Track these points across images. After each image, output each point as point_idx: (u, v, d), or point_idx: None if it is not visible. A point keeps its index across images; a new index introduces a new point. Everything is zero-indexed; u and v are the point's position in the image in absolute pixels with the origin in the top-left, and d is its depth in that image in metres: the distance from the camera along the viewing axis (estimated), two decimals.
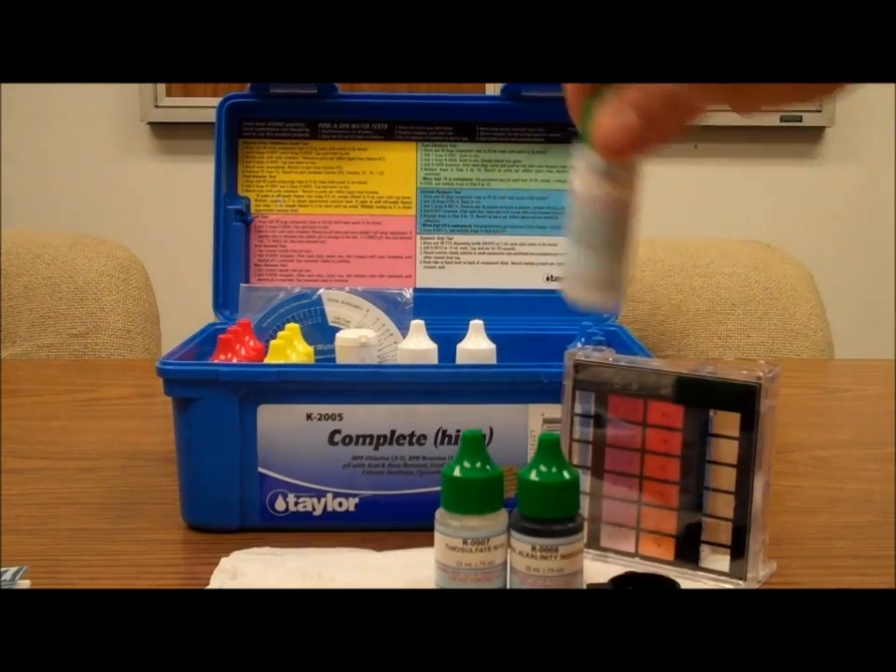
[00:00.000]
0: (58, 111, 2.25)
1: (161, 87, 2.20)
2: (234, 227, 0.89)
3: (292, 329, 0.79)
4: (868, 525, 0.71)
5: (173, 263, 2.07)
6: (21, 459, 0.84)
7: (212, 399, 0.67)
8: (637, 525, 0.61)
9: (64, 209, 2.25)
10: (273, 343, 0.75)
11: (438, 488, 0.54)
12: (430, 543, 0.54)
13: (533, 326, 0.88)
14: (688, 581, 0.59)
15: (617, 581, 0.57)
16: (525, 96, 0.89)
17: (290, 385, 0.67)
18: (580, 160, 0.43)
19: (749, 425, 0.57)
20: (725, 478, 0.58)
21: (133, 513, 0.72)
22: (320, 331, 0.83)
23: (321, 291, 0.84)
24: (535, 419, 0.68)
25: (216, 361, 0.74)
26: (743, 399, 0.57)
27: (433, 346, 0.76)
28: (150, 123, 2.25)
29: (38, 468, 0.82)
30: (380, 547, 0.63)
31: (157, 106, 2.22)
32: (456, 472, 0.52)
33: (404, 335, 0.80)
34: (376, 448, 0.68)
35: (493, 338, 0.78)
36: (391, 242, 0.91)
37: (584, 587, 0.55)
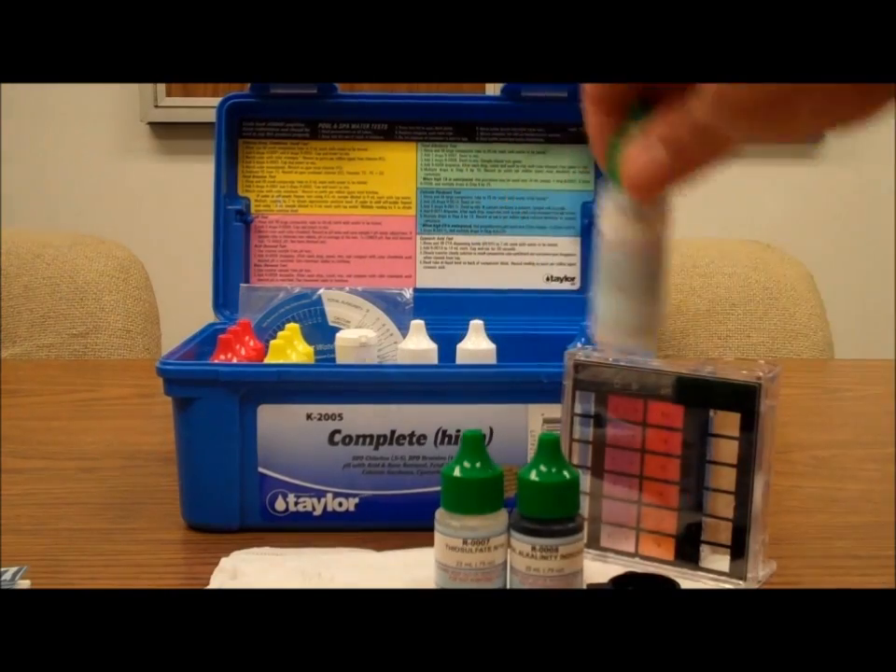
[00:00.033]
0: (58, 111, 2.25)
1: (161, 87, 2.20)
2: (234, 227, 0.89)
3: (292, 329, 0.78)
4: (868, 525, 0.71)
5: (173, 263, 2.07)
6: (21, 459, 0.84)
7: (212, 398, 0.67)
8: (637, 525, 0.61)
9: (64, 209, 2.25)
10: (272, 343, 0.75)
11: (438, 488, 0.54)
12: (430, 543, 0.54)
13: (533, 326, 0.88)
14: (688, 580, 0.59)
15: (617, 580, 0.57)
16: (525, 96, 0.89)
17: (290, 385, 0.67)
18: (606, 200, 0.41)
19: (749, 425, 0.57)
20: (725, 478, 0.58)
21: (132, 513, 0.72)
22: (320, 331, 0.83)
23: (321, 291, 0.84)
24: (535, 419, 0.68)
25: (216, 361, 0.74)
26: (743, 398, 0.57)
27: (433, 346, 0.76)
28: (150, 123, 2.25)
29: (38, 468, 0.82)
30: (380, 547, 0.63)
31: (157, 106, 2.22)
32: (456, 472, 0.52)
33: (404, 335, 0.80)
34: (376, 448, 0.68)
35: (493, 338, 0.78)
36: (391, 242, 0.91)
37: (584, 587, 0.55)
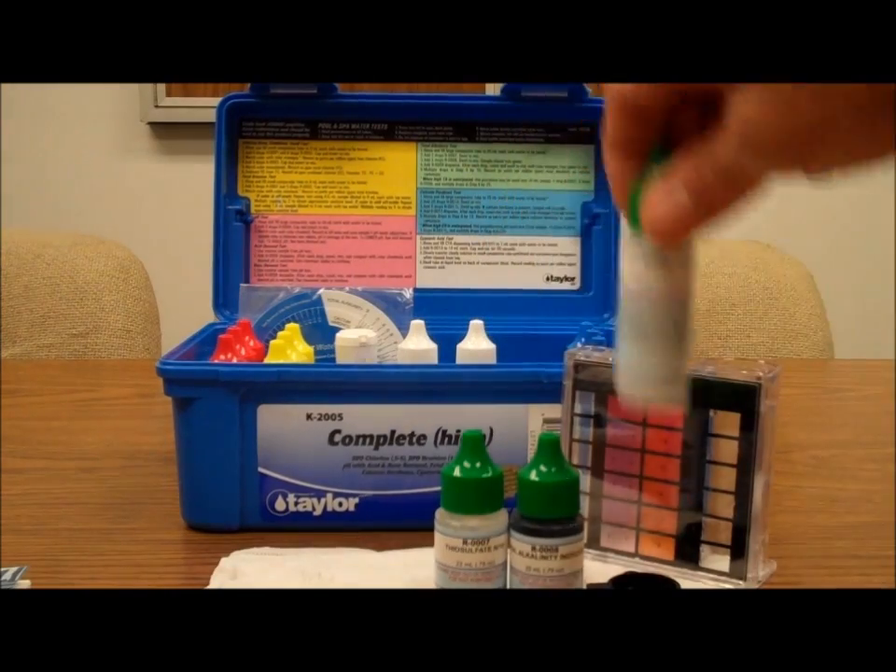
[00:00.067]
0: (58, 111, 2.25)
1: (161, 87, 2.20)
2: (234, 227, 0.89)
3: (292, 329, 0.78)
4: (868, 525, 0.71)
5: (173, 263, 2.07)
6: (21, 459, 0.84)
7: (212, 399, 0.67)
8: (637, 525, 0.61)
9: (64, 209, 2.25)
10: (272, 343, 0.75)
11: (438, 488, 0.54)
12: (430, 543, 0.54)
13: (533, 326, 0.88)
14: (688, 580, 0.59)
15: (617, 580, 0.57)
16: (525, 96, 0.89)
17: (290, 385, 0.67)
18: (628, 246, 0.39)
19: (749, 425, 0.57)
20: (725, 478, 0.58)
21: (132, 513, 0.72)
22: (320, 331, 0.83)
23: (321, 291, 0.84)
24: (535, 419, 0.68)
25: (216, 361, 0.74)
26: (743, 398, 0.57)
27: (433, 346, 0.76)
28: (150, 123, 2.25)
29: (38, 468, 0.82)
30: (380, 547, 0.63)
31: (157, 106, 2.22)
32: (456, 472, 0.52)
33: (404, 335, 0.80)
34: (376, 448, 0.68)
35: (493, 338, 0.78)
36: (391, 242, 0.91)
37: (584, 587, 0.55)
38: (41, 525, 0.70)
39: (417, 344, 0.76)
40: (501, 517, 0.53)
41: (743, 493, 0.58)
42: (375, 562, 0.62)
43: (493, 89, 1.67)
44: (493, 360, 0.77)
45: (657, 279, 0.39)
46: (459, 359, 0.77)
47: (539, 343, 0.84)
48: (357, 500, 0.68)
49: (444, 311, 0.87)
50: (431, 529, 0.54)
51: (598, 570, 0.59)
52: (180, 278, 1.94)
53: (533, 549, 0.52)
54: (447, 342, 0.78)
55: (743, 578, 0.58)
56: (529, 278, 0.91)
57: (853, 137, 0.33)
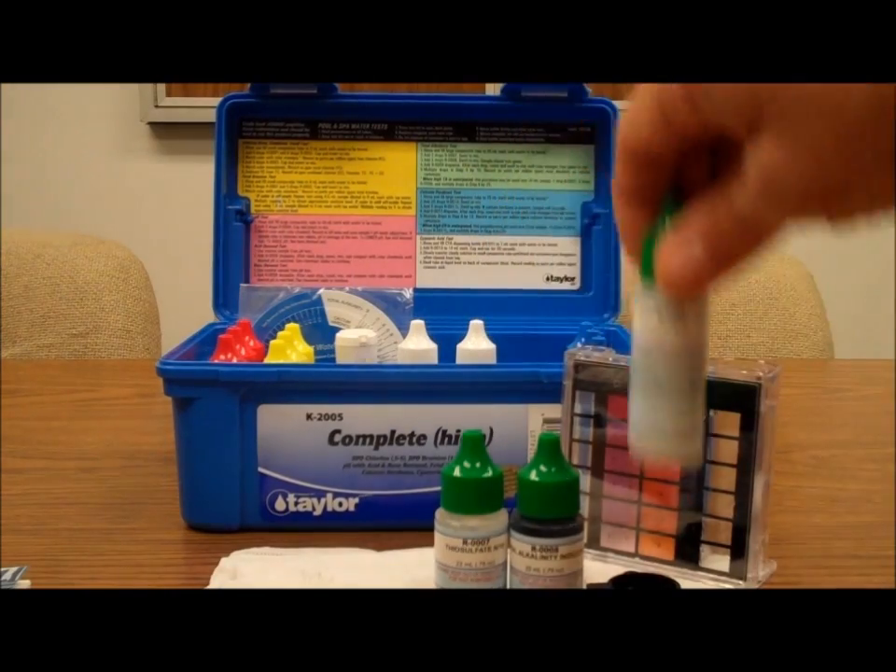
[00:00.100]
0: (58, 111, 2.25)
1: (161, 87, 2.20)
2: (234, 227, 0.89)
3: (292, 329, 0.78)
4: (868, 525, 0.71)
5: (173, 263, 2.07)
6: (21, 459, 0.84)
7: (212, 399, 0.67)
8: (637, 525, 0.61)
9: (64, 209, 2.25)
10: (272, 343, 0.75)
11: (438, 488, 0.54)
12: (430, 543, 0.54)
13: (533, 326, 0.88)
14: (688, 580, 0.59)
15: (617, 580, 0.57)
16: (525, 96, 0.89)
17: (290, 385, 0.67)
18: (640, 298, 0.38)
19: (749, 425, 0.57)
20: (725, 478, 0.58)
21: (132, 513, 0.72)
22: (320, 331, 0.83)
23: (321, 291, 0.84)
24: (535, 419, 0.68)
25: (216, 361, 0.74)
26: (743, 398, 0.57)
27: (433, 346, 0.76)
28: (150, 123, 2.25)
29: (38, 468, 0.82)
30: (380, 547, 0.63)
31: (157, 106, 2.22)
32: (456, 472, 0.52)
33: (404, 335, 0.80)
34: (376, 448, 0.68)
35: (493, 338, 0.78)
36: (391, 242, 0.91)
37: (584, 587, 0.55)
38: (41, 525, 0.70)
39: (417, 344, 0.76)
40: (501, 517, 0.53)
41: (743, 493, 0.58)
42: (375, 562, 0.62)
43: (493, 89, 1.67)
44: (493, 360, 0.77)
45: (672, 332, 0.38)
46: (459, 359, 0.77)
47: (539, 342, 0.84)
48: (356, 500, 0.68)
49: (444, 311, 0.87)
50: (431, 529, 0.54)
51: (598, 570, 0.59)
52: (180, 278, 1.94)
53: (533, 549, 0.52)
54: (447, 342, 0.78)
55: (743, 578, 0.58)
56: (529, 278, 0.91)
57: (879, 183, 0.32)
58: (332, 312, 0.83)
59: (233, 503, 0.68)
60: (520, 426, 0.68)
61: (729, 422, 0.58)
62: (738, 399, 0.57)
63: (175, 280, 1.93)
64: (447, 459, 0.65)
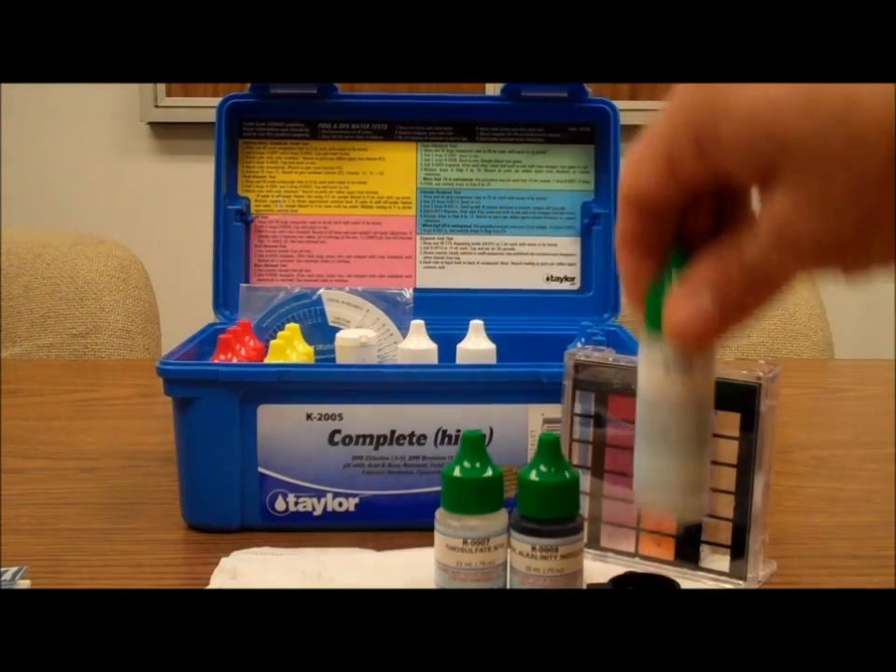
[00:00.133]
0: (58, 111, 2.25)
1: (161, 87, 2.20)
2: (234, 227, 0.89)
3: (292, 329, 0.79)
4: (868, 525, 0.71)
5: (173, 263, 2.07)
6: (21, 459, 0.84)
7: (212, 398, 0.67)
8: (637, 525, 0.61)
9: (64, 209, 2.25)
10: (272, 343, 0.75)
11: (438, 488, 0.54)
12: (430, 543, 0.54)
13: (533, 326, 0.88)
14: (688, 580, 0.59)
15: (617, 580, 0.57)
16: (525, 96, 0.89)
17: (290, 385, 0.67)
18: (645, 349, 0.38)
19: (749, 425, 0.57)
20: (725, 478, 0.58)
21: (132, 513, 0.72)
22: (320, 331, 0.83)
23: (321, 291, 0.84)
24: (535, 419, 0.68)
25: (216, 361, 0.74)
26: (743, 398, 0.57)
27: (433, 346, 0.77)
28: (150, 123, 2.25)
29: (38, 468, 0.82)
30: (380, 547, 0.63)
31: (157, 106, 2.22)
32: (456, 472, 0.52)
33: (404, 335, 0.80)
34: (376, 448, 0.68)
35: (493, 338, 0.78)
36: (391, 242, 0.91)
37: (584, 587, 0.55)
38: (41, 525, 0.70)
39: (417, 344, 0.76)
40: (501, 517, 0.53)
41: (743, 493, 0.58)
42: (375, 562, 0.62)
43: (493, 89, 1.67)
44: (493, 360, 0.77)
45: (679, 384, 0.37)
46: (459, 359, 0.77)
47: (539, 342, 0.84)
48: (356, 500, 0.68)
49: (444, 311, 0.87)
50: (431, 529, 0.54)
51: (598, 570, 0.59)
52: (180, 278, 1.94)
53: (533, 549, 0.52)
54: (447, 342, 0.78)
55: (743, 578, 0.58)
56: (529, 278, 0.91)
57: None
58: (332, 312, 0.83)
59: (233, 503, 0.68)
60: (520, 426, 0.68)
61: (729, 422, 0.58)
62: (738, 398, 0.57)
63: (175, 280, 1.93)
64: (447, 459, 0.65)
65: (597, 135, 0.90)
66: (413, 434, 0.68)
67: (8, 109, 2.23)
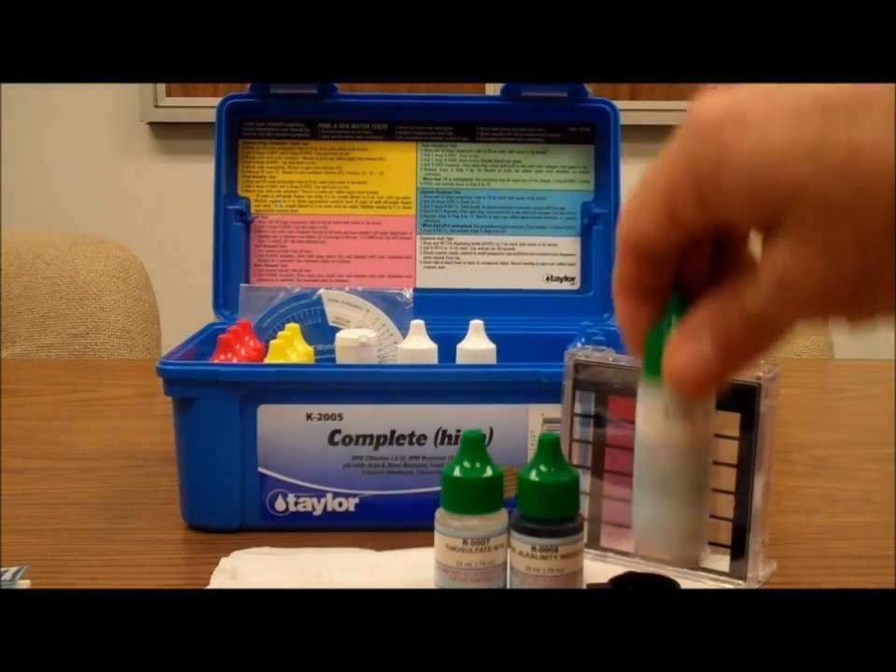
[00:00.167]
0: (58, 111, 2.25)
1: (161, 87, 2.20)
2: (234, 227, 0.89)
3: (292, 329, 0.78)
4: (868, 525, 0.71)
5: (173, 263, 2.07)
6: (21, 459, 0.84)
7: (212, 398, 0.67)
8: None
9: (64, 209, 2.25)
10: (272, 343, 0.75)
11: (438, 488, 0.54)
12: (430, 543, 0.54)
13: (533, 326, 0.88)
14: (688, 580, 0.59)
15: (617, 580, 0.57)
16: (525, 96, 0.89)
17: (290, 385, 0.67)
18: (644, 395, 0.37)
19: (749, 425, 0.57)
20: (725, 478, 0.58)
21: (132, 513, 0.72)
22: (320, 331, 0.83)
23: (321, 291, 0.84)
24: (535, 419, 0.68)
25: (216, 361, 0.74)
26: (743, 398, 0.57)
27: (433, 346, 0.76)
28: (150, 123, 2.25)
29: (38, 468, 0.82)
30: (380, 547, 0.63)
31: (157, 106, 2.22)
32: (456, 472, 0.52)
33: (404, 335, 0.80)
34: (376, 448, 0.68)
35: (493, 338, 0.78)
36: (391, 242, 0.91)
37: (584, 587, 0.55)
38: (41, 525, 0.70)
39: (417, 344, 0.76)
40: (501, 517, 0.53)
41: (743, 493, 0.58)
42: (375, 562, 0.62)
43: (493, 89, 1.67)
44: (493, 360, 0.77)
45: (678, 429, 0.37)
46: (459, 359, 0.77)
47: (539, 342, 0.84)
48: (356, 500, 0.68)
49: (444, 311, 0.87)
50: (431, 529, 0.54)
51: (598, 570, 0.59)
52: (180, 278, 1.94)
53: (533, 549, 0.52)
54: (447, 342, 0.78)
55: (743, 578, 0.58)
56: (529, 278, 0.91)
57: None
58: (332, 312, 0.83)
59: (233, 503, 0.68)
60: (520, 426, 0.68)
61: (729, 422, 0.58)
62: (738, 398, 0.57)
63: (175, 280, 1.93)
64: (447, 459, 0.65)
65: (597, 135, 0.90)
66: (412, 434, 0.68)
67: (8, 109, 2.23)
